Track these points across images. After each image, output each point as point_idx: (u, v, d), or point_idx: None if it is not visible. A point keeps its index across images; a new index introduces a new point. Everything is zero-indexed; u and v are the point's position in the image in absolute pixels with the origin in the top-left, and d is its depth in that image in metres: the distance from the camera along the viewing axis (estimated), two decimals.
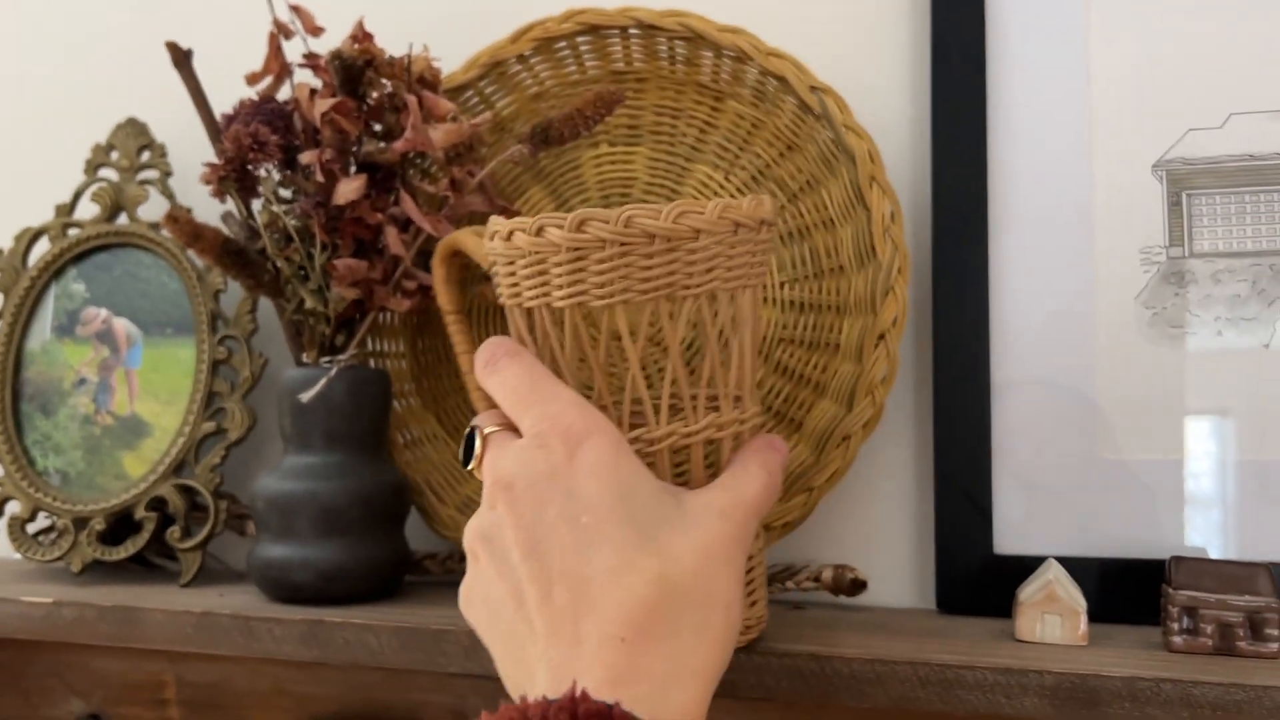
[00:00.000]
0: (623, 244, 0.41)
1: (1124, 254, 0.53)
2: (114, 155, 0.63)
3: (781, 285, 0.57)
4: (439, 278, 0.52)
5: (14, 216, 0.67)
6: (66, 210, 0.63)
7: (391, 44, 0.54)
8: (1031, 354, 0.53)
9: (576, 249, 0.42)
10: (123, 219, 0.63)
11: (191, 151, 0.64)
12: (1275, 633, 0.44)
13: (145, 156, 0.63)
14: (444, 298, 0.52)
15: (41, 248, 0.63)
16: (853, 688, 0.44)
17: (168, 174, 0.63)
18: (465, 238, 0.48)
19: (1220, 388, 0.51)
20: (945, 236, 0.54)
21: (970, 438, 0.53)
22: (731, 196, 0.58)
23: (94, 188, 0.63)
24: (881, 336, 0.52)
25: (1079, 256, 0.53)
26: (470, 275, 0.56)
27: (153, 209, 0.62)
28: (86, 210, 0.63)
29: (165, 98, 0.63)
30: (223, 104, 0.56)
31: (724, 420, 0.44)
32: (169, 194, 0.62)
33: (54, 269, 0.62)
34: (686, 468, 0.44)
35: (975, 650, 0.45)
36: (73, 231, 0.62)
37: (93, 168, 0.63)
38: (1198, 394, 0.51)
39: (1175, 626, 0.45)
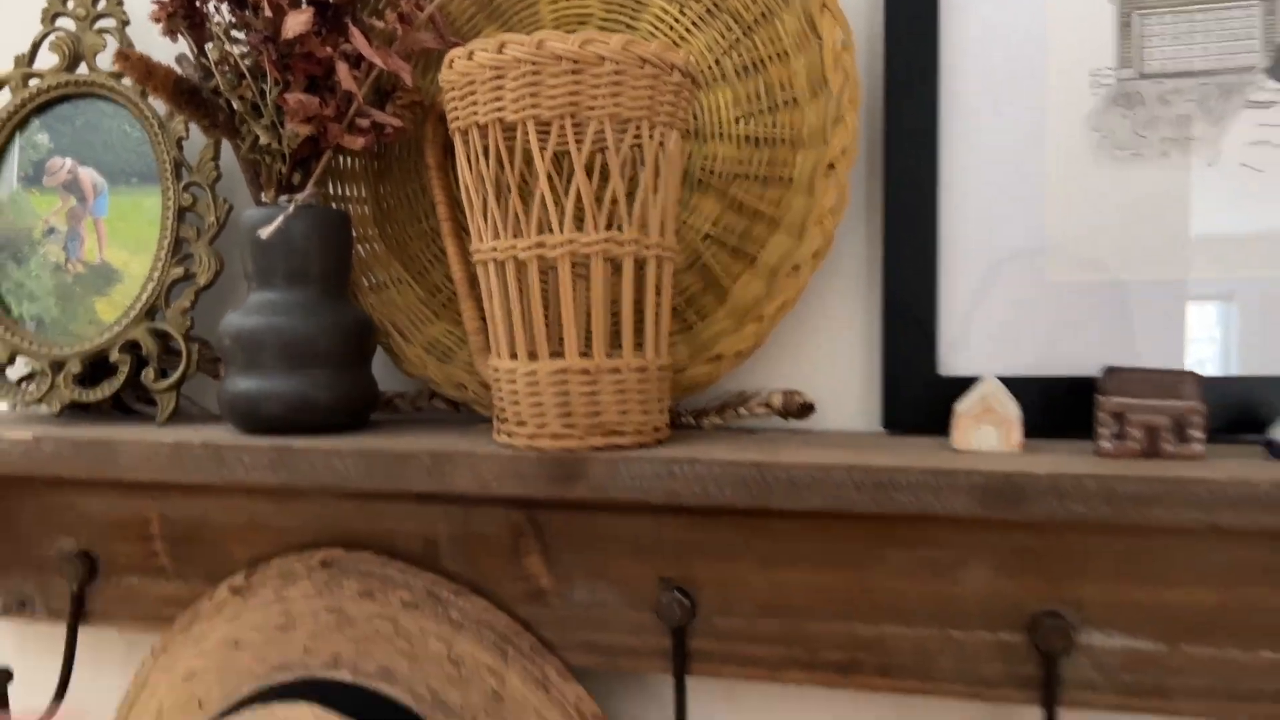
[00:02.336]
0: (534, 64, 0.43)
1: (1074, 76, 0.53)
2: (70, 4, 0.63)
3: (736, 120, 0.57)
4: (428, 136, 0.56)
5: None
6: (25, 61, 0.63)
7: None
8: (981, 181, 0.54)
9: (497, 68, 0.44)
10: (82, 69, 0.63)
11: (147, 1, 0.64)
12: (1199, 434, 0.46)
13: (101, 5, 0.63)
14: (430, 155, 0.56)
15: (3, 99, 0.64)
16: (790, 491, 0.46)
17: (125, 22, 0.62)
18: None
19: (1166, 206, 0.51)
20: (897, 63, 0.54)
21: (918, 264, 0.54)
22: (686, 30, 0.58)
23: (52, 37, 0.63)
24: (831, 165, 0.53)
25: (1030, 81, 0.53)
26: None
27: (109, 57, 0.63)
28: (45, 60, 0.63)
29: None
30: None
31: (624, 239, 0.45)
32: (126, 42, 0.62)
33: (17, 120, 0.62)
34: (587, 281, 0.46)
35: (910, 458, 0.47)
36: (33, 82, 0.63)
37: (50, 17, 0.63)
38: (1144, 216, 0.51)
39: (1105, 432, 0.46)
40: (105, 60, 0.63)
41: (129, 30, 0.63)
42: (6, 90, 0.63)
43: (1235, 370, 0.50)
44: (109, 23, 0.63)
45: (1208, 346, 0.51)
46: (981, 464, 0.45)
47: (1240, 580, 0.48)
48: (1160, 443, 0.46)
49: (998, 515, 0.43)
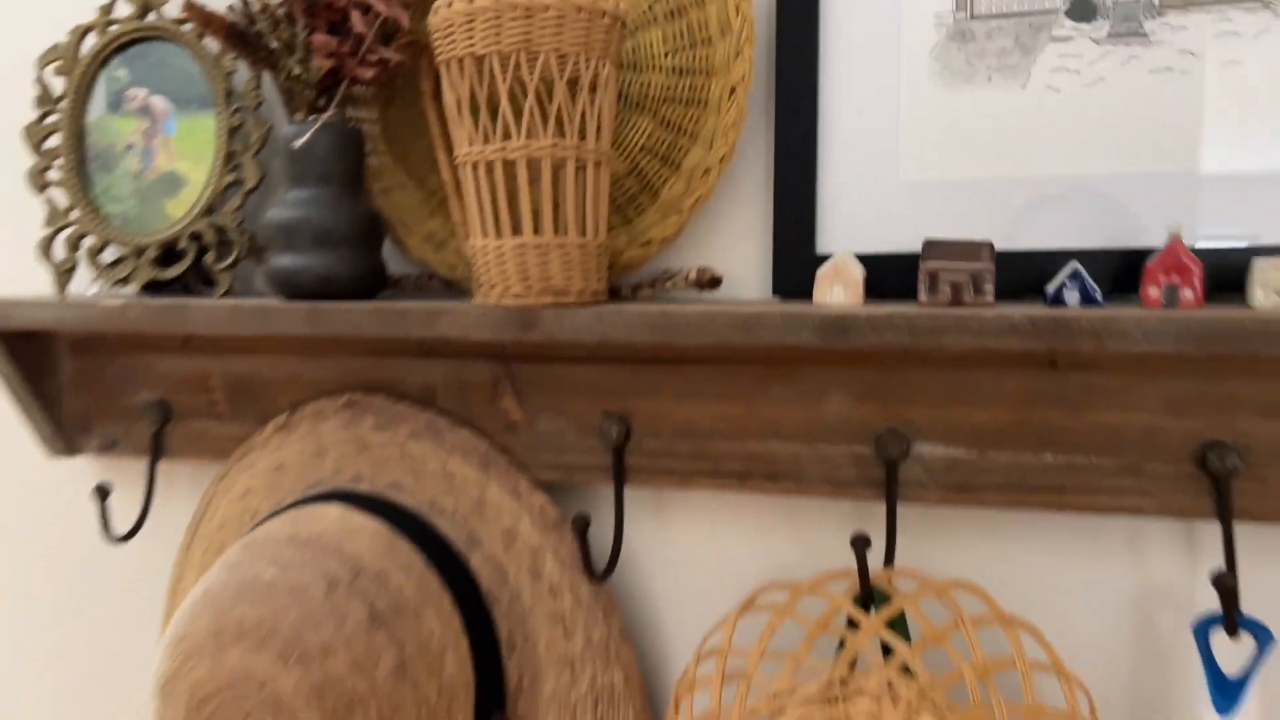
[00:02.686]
0: (495, 11, 0.59)
1: (922, 18, 0.67)
2: None
3: (665, 55, 0.72)
4: (422, 69, 0.72)
5: (67, 15, 0.83)
6: (107, 10, 0.79)
7: None
8: (850, 98, 0.69)
9: (469, 15, 0.60)
10: (151, 17, 0.79)
11: None
12: (990, 288, 0.61)
13: None
14: (425, 83, 0.72)
15: (90, 42, 0.80)
16: (685, 330, 0.62)
17: None
18: None
19: (988, 120, 0.66)
20: (784, 11, 0.69)
21: (800, 167, 0.69)
22: None
23: None
24: (733, 90, 0.68)
25: (889, 21, 0.68)
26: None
27: (173, 7, 0.79)
28: (122, 10, 0.79)
29: None
30: None
31: (566, 145, 0.62)
32: None
33: (101, 58, 0.79)
34: (540, 179, 0.62)
35: (776, 308, 0.63)
36: (112, 28, 0.79)
37: None
38: (972, 126, 0.66)
39: (923, 289, 0.62)
40: (169, 10, 0.79)
41: None
42: (93, 34, 0.79)
43: (1023, 246, 0.65)
44: None
45: (1004, 225, 0.66)
46: (825, 310, 0.60)
47: (1029, 403, 0.64)
48: (962, 295, 0.61)
49: (832, 345, 0.59)
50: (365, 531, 0.70)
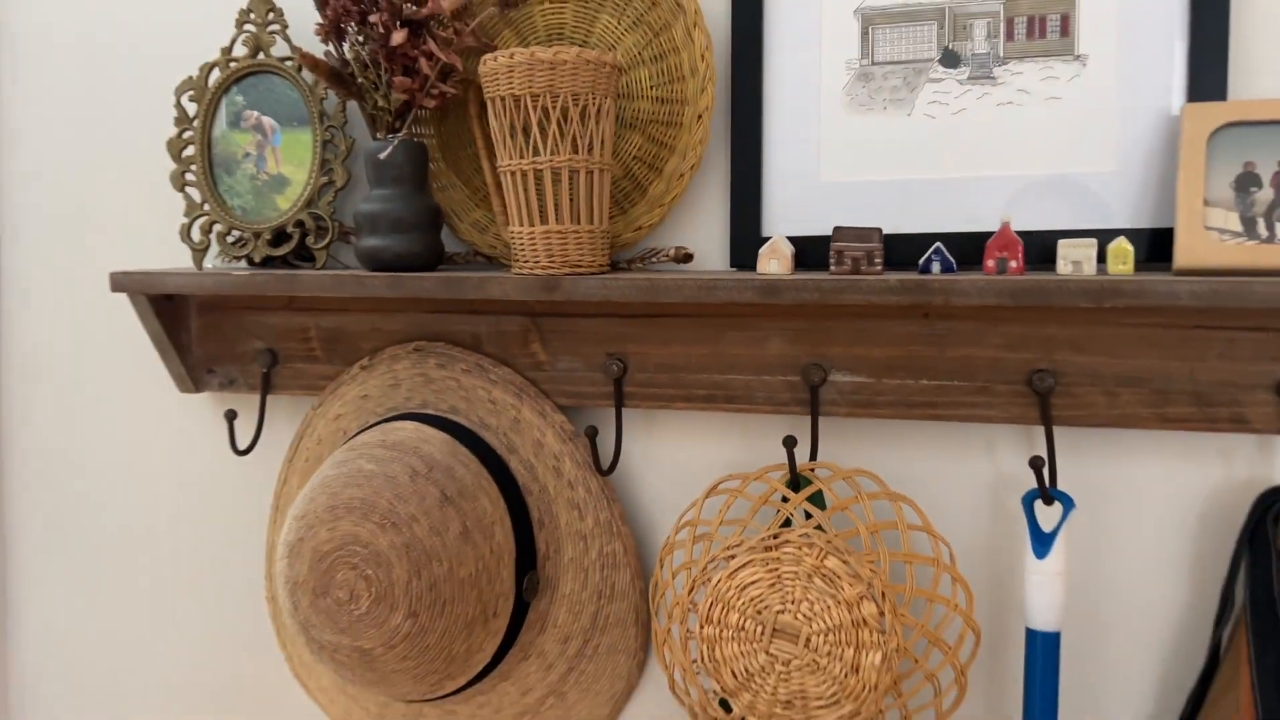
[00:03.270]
0: (529, 64, 0.83)
1: (836, 63, 0.92)
2: (253, 16, 1.03)
3: (651, 88, 0.97)
4: (470, 99, 0.96)
5: (198, 56, 1.08)
6: (227, 51, 1.03)
7: None
8: (784, 121, 0.93)
9: (510, 66, 0.85)
10: (261, 55, 1.03)
11: (296, 11, 1.04)
12: (879, 262, 0.86)
13: (270, 16, 1.03)
14: (472, 109, 0.96)
15: (215, 75, 1.04)
16: (665, 292, 0.87)
17: (285, 27, 1.03)
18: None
19: (883, 138, 0.91)
20: (737, 58, 0.94)
21: (750, 171, 0.94)
22: (620, 35, 0.97)
23: (242, 36, 1.03)
24: (700, 116, 0.93)
25: (813, 66, 0.93)
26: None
27: (278, 49, 1.03)
28: (239, 51, 1.04)
29: None
30: None
31: (579, 159, 0.87)
32: (287, 39, 1.02)
33: (223, 87, 1.03)
34: (560, 183, 0.87)
35: (729, 275, 0.88)
36: (232, 64, 1.03)
37: (240, 24, 1.03)
38: (872, 142, 0.91)
39: (832, 263, 0.87)
40: (275, 50, 1.03)
41: (288, 32, 1.03)
42: (216, 69, 1.04)
43: (904, 230, 0.91)
44: (276, 27, 1.03)
45: (891, 215, 0.91)
46: (763, 277, 0.86)
47: (910, 343, 0.89)
48: (860, 266, 0.86)
49: (768, 301, 0.85)
50: (434, 439, 0.96)
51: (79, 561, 1.23)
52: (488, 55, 0.88)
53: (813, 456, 0.91)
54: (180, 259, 1.15)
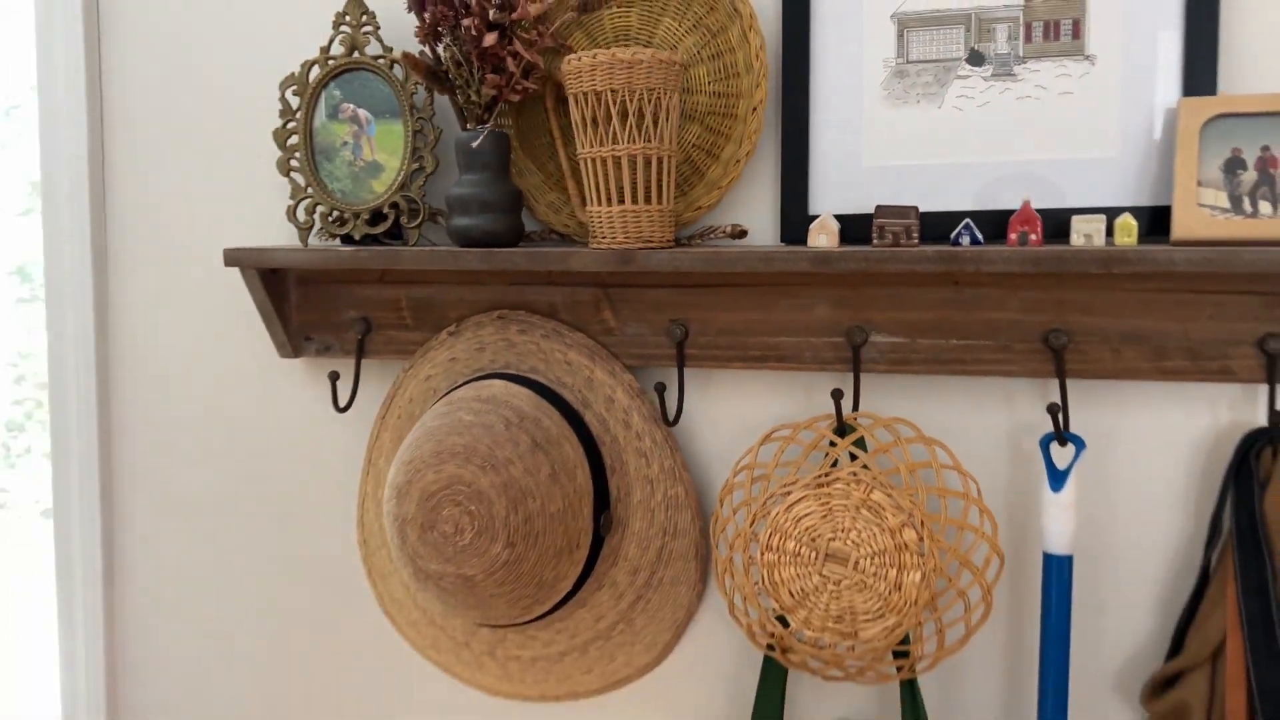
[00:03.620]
0: (609, 64, 0.96)
1: (875, 62, 1.05)
2: (348, 18, 1.15)
3: (709, 83, 1.10)
4: (548, 93, 1.08)
5: (299, 54, 1.20)
6: (325, 50, 1.15)
7: None
8: (830, 112, 1.06)
9: (593, 67, 0.97)
10: (356, 54, 1.15)
11: (386, 13, 1.16)
12: (916, 236, 0.99)
13: (364, 18, 1.15)
14: (549, 102, 1.09)
15: (314, 71, 1.16)
16: (725, 262, 1.00)
17: (377, 28, 1.15)
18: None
19: (917, 128, 1.04)
20: (788, 55, 1.06)
21: (798, 157, 1.07)
22: (682, 38, 1.10)
23: (338, 36, 1.15)
24: (755, 108, 1.06)
25: (852, 64, 1.05)
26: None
27: (371, 48, 1.15)
28: (337, 50, 1.15)
29: None
30: None
31: (651, 146, 0.99)
32: (380, 39, 1.14)
33: (322, 82, 1.15)
34: (634, 168, 0.99)
35: (778, 249, 1.01)
36: (330, 61, 1.15)
37: (336, 25, 1.15)
38: (906, 132, 1.04)
39: (874, 237, 1.00)
40: (369, 49, 1.15)
41: (380, 33, 1.15)
42: (316, 66, 1.16)
43: (937, 208, 1.03)
44: (369, 28, 1.15)
45: (926, 195, 1.04)
46: (815, 250, 0.98)
47: (941, 307, 1.02)
48: (899, 240, 0.99)
49: (819, 270, 0.97)
50: (521, 394, 1.08)
51: (182, 509, 1.36)
52: (571, 55, 1.00)
53: (855, 407, 1.04)
54: (273, 237, 1.27)
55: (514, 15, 1.04)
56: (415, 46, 1.15)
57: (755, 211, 1.11)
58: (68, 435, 1.36)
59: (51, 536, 1.37)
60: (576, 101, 1.02)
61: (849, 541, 0.95)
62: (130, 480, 1.37)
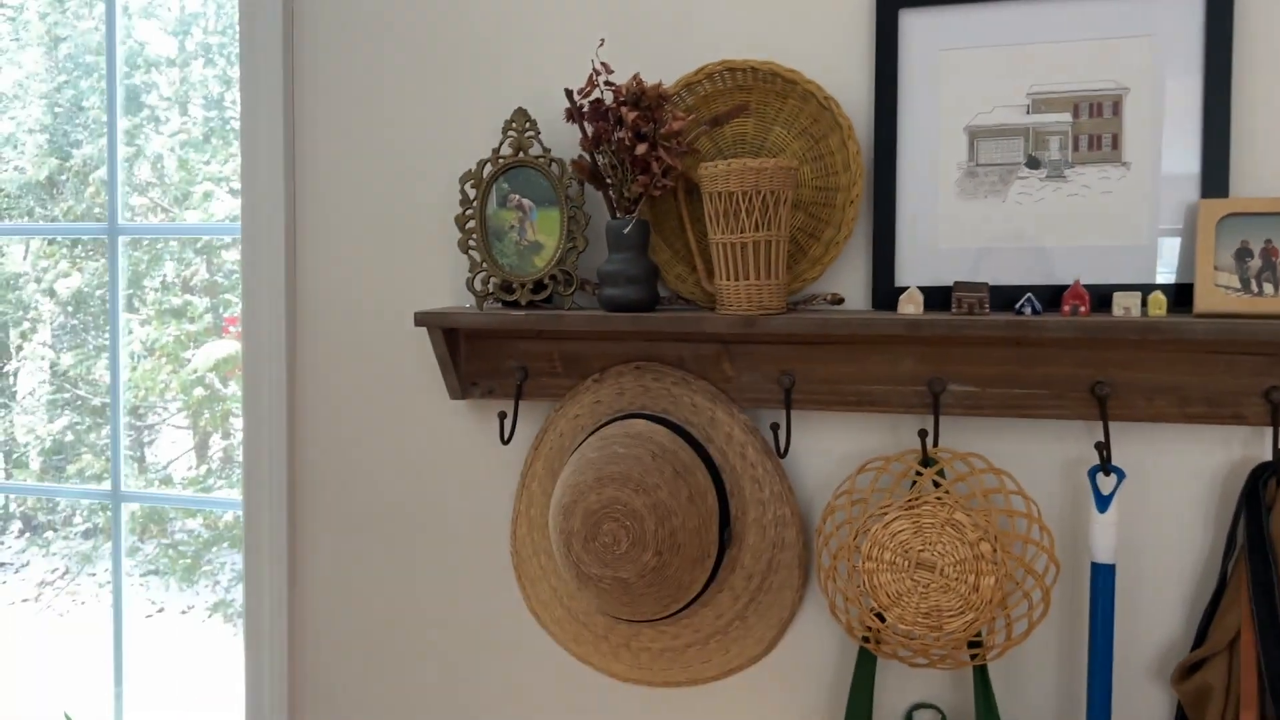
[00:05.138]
0: (740, 171, 1.22)
1: (950, 165, 1.30)
2: (514, 125, 1.41)
3: (813, 179, 1.35)
4: (679, 186, 1.34)
5: (477, 153, 1.47)
6: (496, 150, 1.42)
7: (628, 68, 1.31)
8: (913, 203, 1.31)
9: (727, 172, 1.23)
10: (520, 154, 1.41)
11: (546, 120, 1.43)
12: (987, 306, 1.23)
13: (528, 125, 1.41)
14: (680, 194, 1.34)
15: (487, 169, 1.42)
16: (835, 328, 1.24)
17: (538, 133, 1.41)
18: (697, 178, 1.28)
19: (984, 218, 1.29)
20: (879, 159, 1.32)
21: (887, 239, 1.32)
22: (790, 143, 1.35)
23: (507, 139, 1.41)
24: (852, 200, 1.31)
25: (935, 165, 1.30)
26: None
27: (534, 150, 1.42)
28: (505, 151, 1.42)
29: (536, 96, 1.42)
30: (558, 95, 1.34)
31: (770, 234, 1.24)
32: (540, 142, 1.41)
33: (494, 176, 1.41)
34: (760, 251, 1.25)
35: (875, 315, 1.26)
36: (500, 160, 1.41)
37: (505, 130, 1.41)
38: (975, 221, 1.29)
39: (954, 306, 1.24)
40: (532, 150, 1.42)
41: (540, 137, 1.41)
42: (488, 164, 1.42)
43: (1003, 282, 1.28)
44: (531, 132, 1.41)
45: (993, 273, 1.29)
46: (906, 316, 1.23)
47: (1006, 363, 1.27)
48: (974, 309, 1.24)
49: (909, 334, 1.22)
50: (660, 431, 1.34)
51: (360, 526, 1.61)
52: (708, 163, 1.25)
53: (935, 443, 1.28)
54: (440, 300, 1.53)
55: (662, 130, 1.30)
56: (570, 148, 1.42)
57: (850, 283, 1.36)
58: (260, 464, 1.62)
59: (242, 553, 1.62)
60: (711, 198, 1.27)
61: (935, 552, 1.20)
62: (314, 502, 1.63)
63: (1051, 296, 1.26)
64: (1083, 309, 1.21)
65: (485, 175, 1.42)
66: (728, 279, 1.29)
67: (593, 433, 1.38)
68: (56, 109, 5.50)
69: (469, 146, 1.51)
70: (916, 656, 1.28)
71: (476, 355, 1.48)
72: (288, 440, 1.62)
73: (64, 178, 5.38)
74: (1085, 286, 1.25)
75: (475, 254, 1.43)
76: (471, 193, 1.43)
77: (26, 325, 5.59)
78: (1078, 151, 1.26)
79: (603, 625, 1.44)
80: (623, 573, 1.27)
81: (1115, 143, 1.25)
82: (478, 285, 1.43)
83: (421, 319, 1.40)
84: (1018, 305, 1.23)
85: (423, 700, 1.59)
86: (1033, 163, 1.27)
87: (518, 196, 1.42)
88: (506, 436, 1.44)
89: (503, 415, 1.44)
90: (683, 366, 1.40)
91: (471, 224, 1.43)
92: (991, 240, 1.29)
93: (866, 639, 1.29)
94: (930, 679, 1.36)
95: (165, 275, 5.46)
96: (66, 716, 1.67)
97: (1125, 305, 1.20)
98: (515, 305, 1.42)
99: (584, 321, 1.34)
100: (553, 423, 1.45)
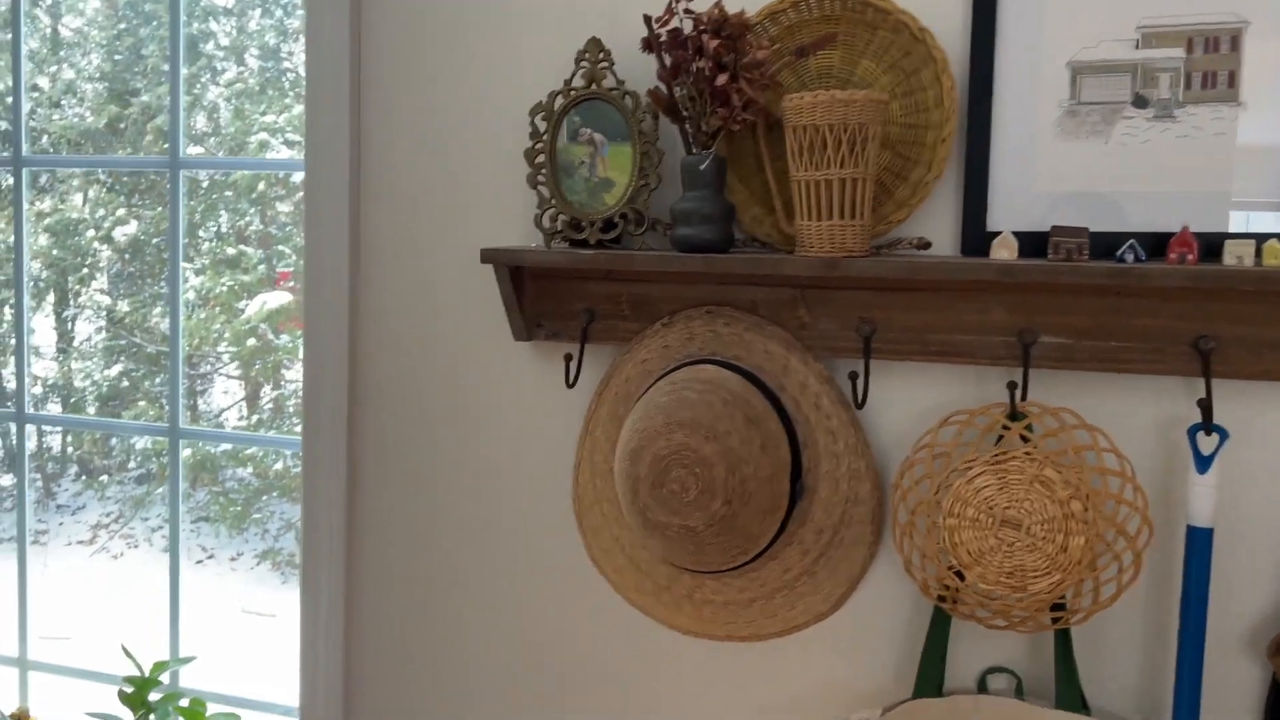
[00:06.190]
0: (828, 103, 1.15)
1: (1050, 103, 1.22)
2: (587, 55, 1.36)
3: (901, 116, 1.28)
4: (760, 121, 1.27)
5: (548, 86, 1.42)
6: (568, 82, 1.36)
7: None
8: (1009, 144, 1.24)
9: (813, 104, 1.16)
10: (593, 86, 1.36)
11: (621, 50, 1.37)
12: (1086, 253, 1.16)
13: (602, 55, 1.35)
14: (761, 129, 1.28)
15: (559, 101, 1.37)
16: (923, 272, 1.18)
17: (612, 64, 1.35)
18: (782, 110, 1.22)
19: (1086, 158, 1.21)
20: (973, 95, 1.24)
21: (978, 181, 1.25)
22: (879, 77, 1.28)
23: (580, 70, 1.36)
24: (944, 139, 1.24)
25: (1032, 103, 1.23)
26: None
27: (607, 82, 1.36)
28: (578, 83, 1.37)
29: (611, 26, 1.36)
30: (634, 23, 1.28)
31: (856, 171, 1.18)
32: (614, 74, 1.35)
33: (565, 108, 1.36)
34: (844, 190, 1.18)
35: (965, 260, 1.19)
36: (572, 92, 1.36)
37: (578, 61, 1.36)
38: (1075, 163, 1.22)
39: (1050, 252, 1.17)
40: (605, 82, 1.36)
41: (614, 68, 1.36)
42: (560, 96, 1.37)
43: (1105, 229, 1.21)
44: (605, 64, 1.36)
45: (1094, 217, 1.21)
46: (997, 263, 1.17)
47: (1103, 314, 1.20)
48: (1072, 256, 1.17)
49: (1002, 279, 1.16)
50: (731, 378, 1.28)
51: (417, 469, 1.59)
52: (792, 94, 1.19)
53: (1023, 397, 1.22)
54: (506, 238, 1.49)
55: (744, 61, 1.23)
56: (645, 82, 1.36)
57: (938, 227, 1.30)
58: (320, 407, 1.60)
59: (301, 500, 1.61)
60: (794, 133, 1.21)
61: (1022, 510, 1.14)
62: (374, 444, 1.61)
63: (1154, 245, 1.19)
64: (1190, 257, 1.13)
65: (556, 108, 1.37)
66: (808, 219, 1.23)
67: (661, 378, 1.33)
68: (116, 56, 5.53)
69: (540, 78, 1.46)
70: (995, 618, 1.22)
71: (542, 296, 1.44)
72: (349, 383, 1.59)
73: (123, 125, 5.42)
74: (1195, 234, 1.17)
75: (544, 190, 1.38)
76: (542, 126, 1.38)
77: (85, 271, 5.67)
78: (1189, 90, 1.18)
79: (665, 576, 1.40)
80: (690, 520, 1.23)
81: (1231, 80, 1.16)
82: (545, 222, 1.38)
83: (488, 255, 1.36)
84: (1119, 252, 1.16)
85: (478, 648, 1.57)
86: (1140, 101, 1.19)
87: (589, 131, 1.37)
88: (571, 380, 1.40)
89: (568, 358, 1.39)
90: (756, 312, 1.35)
91: (541, 158, 1.38)
92: (1092, 183, 1.22)
93: (943, 598, 1.24)
94: (1006, 643, 1.30)
95: (220, 225, 5.50)
96: (124, 649, 1.68)
97: (1238, 254, 1.13)
98: (584, 245, 1.37)
99: (654, 262, 1.29)
100: (619, 367, 1.41)
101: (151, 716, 1.57)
